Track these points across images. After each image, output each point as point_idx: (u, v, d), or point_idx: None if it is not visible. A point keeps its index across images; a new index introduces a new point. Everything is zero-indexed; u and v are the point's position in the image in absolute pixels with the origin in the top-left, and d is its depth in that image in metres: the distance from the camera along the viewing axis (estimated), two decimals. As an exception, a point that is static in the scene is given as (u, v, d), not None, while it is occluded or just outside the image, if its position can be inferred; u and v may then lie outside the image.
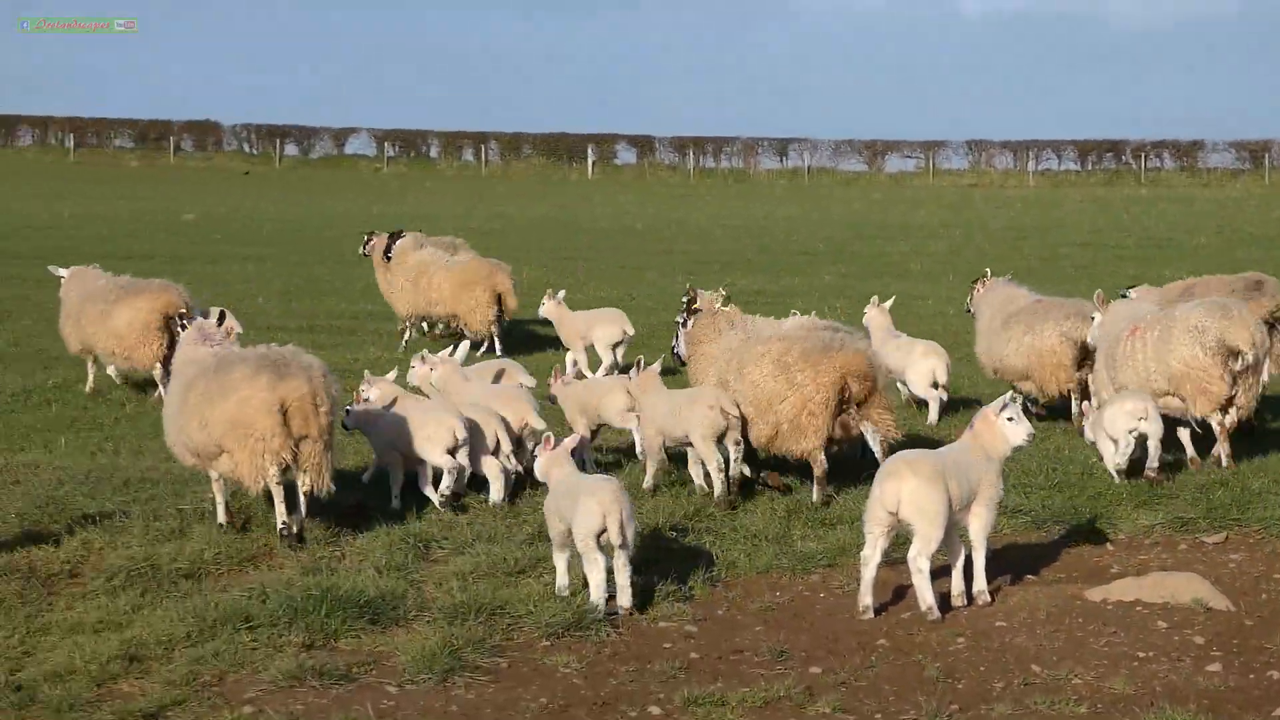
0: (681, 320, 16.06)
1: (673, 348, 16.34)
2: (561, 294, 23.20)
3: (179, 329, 19.00)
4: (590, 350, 22.33)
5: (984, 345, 19.64)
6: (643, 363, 15.52)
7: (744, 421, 14.88)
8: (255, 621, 11.04)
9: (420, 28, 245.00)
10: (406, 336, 25.60)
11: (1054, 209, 73.93)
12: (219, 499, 13.73)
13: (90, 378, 21.00)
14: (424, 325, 26.15)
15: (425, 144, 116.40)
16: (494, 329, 24.90)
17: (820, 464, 14.87)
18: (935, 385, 19.38)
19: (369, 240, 26.69)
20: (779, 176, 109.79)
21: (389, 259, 25.66)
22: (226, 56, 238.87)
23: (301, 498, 13.34)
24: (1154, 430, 15.36)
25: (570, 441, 12.53)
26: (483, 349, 24.43)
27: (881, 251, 46.75)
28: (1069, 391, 18.81)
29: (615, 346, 22.09)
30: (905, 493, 11.42)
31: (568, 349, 22.37)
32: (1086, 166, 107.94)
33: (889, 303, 20.39)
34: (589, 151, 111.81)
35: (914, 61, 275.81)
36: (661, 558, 12.67)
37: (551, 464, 12.24)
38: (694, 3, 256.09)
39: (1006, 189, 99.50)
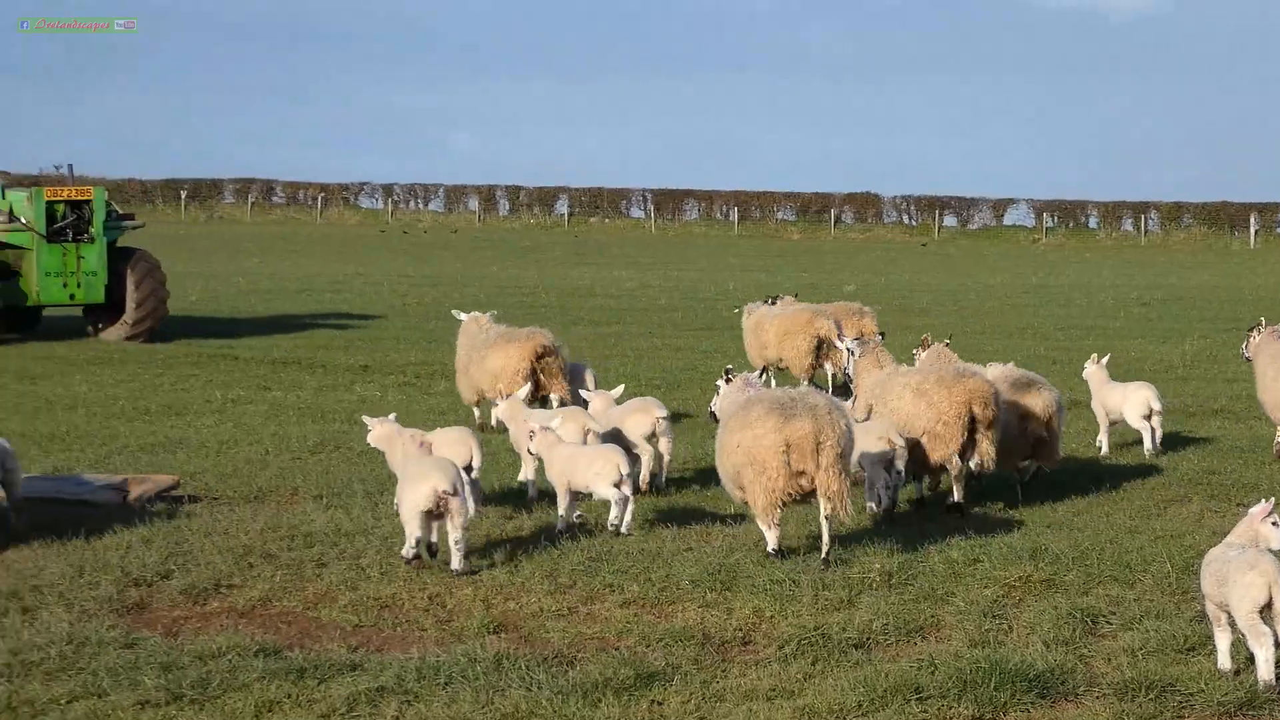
0: (850, 350, 19.31)
1: (844, 370, 19.72)
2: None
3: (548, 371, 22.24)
4: None
5: (1272, 393, 21.03)
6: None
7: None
8: (925, 693, 11.11)
9: (1087, 100, 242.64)
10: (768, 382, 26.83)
11: None
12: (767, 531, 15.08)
13: (477, 419, 22.97)
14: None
15: (1084, 214, 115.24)
16: (811, 373, 26.85)
17: (956, 465, 17.34)
18: (1149, 417, 21.45)
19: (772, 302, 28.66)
20: None
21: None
22: (888, 129, 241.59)
23: (825, 522, 14.71)
24: None
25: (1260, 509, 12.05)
26: None
27: None
28: None
29: None
30: None
31: None
32: None
33: (1106, 359, 22.36)
34: (1251, 220, 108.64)
35: None
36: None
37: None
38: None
39: None
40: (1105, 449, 21.73)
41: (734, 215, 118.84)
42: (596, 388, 21.84)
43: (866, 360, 18.86)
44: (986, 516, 17.34)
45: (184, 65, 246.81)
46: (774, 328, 27.30)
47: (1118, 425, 21.95)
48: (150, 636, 12.56)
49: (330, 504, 17.12)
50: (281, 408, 25.73)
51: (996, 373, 18.75)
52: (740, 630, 12.91)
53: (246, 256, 74.92)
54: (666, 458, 18.46)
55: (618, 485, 15.77)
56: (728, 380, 16.41)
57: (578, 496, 16.13)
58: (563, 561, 14.52)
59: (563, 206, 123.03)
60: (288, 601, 13.68)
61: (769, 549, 14.83)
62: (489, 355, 22.58)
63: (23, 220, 35.69)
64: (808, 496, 14.80)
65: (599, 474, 15.77)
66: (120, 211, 38.42)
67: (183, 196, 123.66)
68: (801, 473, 14.61)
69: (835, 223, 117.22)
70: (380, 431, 16.59)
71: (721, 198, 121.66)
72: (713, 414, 16.60)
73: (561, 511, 15.99)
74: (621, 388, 19.85)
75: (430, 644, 12.56)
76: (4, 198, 36.20)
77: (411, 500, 14.26)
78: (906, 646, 12.55)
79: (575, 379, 22.36)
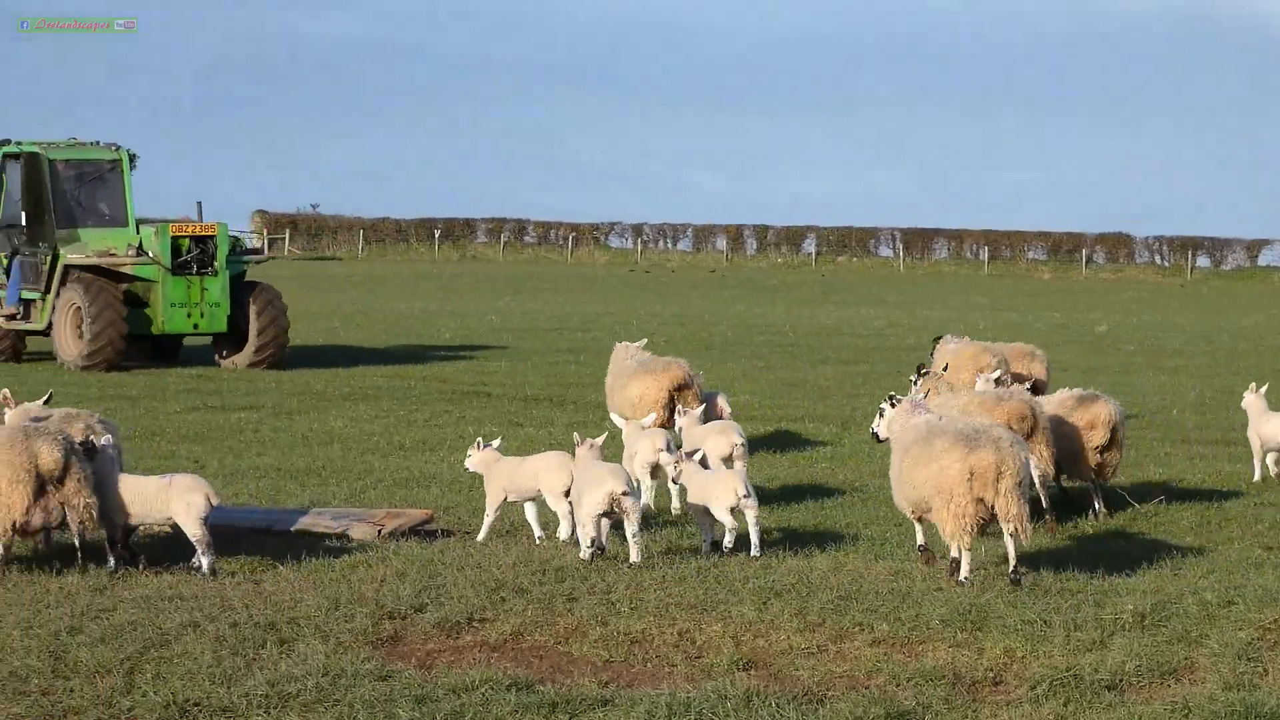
0: (914, 380, 22.16)
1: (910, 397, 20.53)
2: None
3: (681, 402, 22.47)
4: None
5: None
6: None
7: None
8: (1178, 736, 10.97)
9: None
10: None
11: None
12: (920, 538, 16.35)
13: None
14: None
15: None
16: None
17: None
18: None
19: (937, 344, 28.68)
20: None
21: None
22: (1141, 168, 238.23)
23: (1010, 541, 15.47)
24: None
25: None
26: None
27: None
28: None
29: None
30: None
31: None
32: None
33: (1264, 388, 23.12)
34: None
35: None
36: None
37: None
38: None
39: None
40: (1257, 475, 22.65)
41: (984, 254, 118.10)
42: (731, 414, 22.75)
43: (927, 386, 21.40)
44: (1240, 557, 17.06)
45: (437, 107, 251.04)
46: (944, 361, 27.55)
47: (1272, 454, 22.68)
48: (404, 669, 12.75)
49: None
50: (533, 444, 25.95)
51: (1061, 395, 20.56)
52: (991, 670, 12.83)
53: (499, 295, 75.84)
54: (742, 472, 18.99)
55: (733, 511, 16.42)
56: (892, 404, 16.94)
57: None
58: (812, 600, 14.51)
59: (810, 245, 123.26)
60: (539, 636, 13.81)
61: (962, 576, 15.47)
62: (630, 383, 23.48)
63: (150, 254, 38.15)
64: (992, 520, 15.48)
65: (717, 497, 16.51)
66: (245, 246, 41.10)
67: (436, 235, 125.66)
68: (984, 500, 15.35)
69: (1086, 263, 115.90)
70: (479, 458, 17.56)
71: (971, 236, 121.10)
72: (874, 434, 17.23)
73: (700, 529, 17.13)
74: (703, 408, 21.08)
75: (680, 680, 12.63)
76: (137, 233, 38.74)
77: (590, 504, 15.70)
78: (1160, 689, 12.38)
79: (708, 406, 22.81)
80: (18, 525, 15.27)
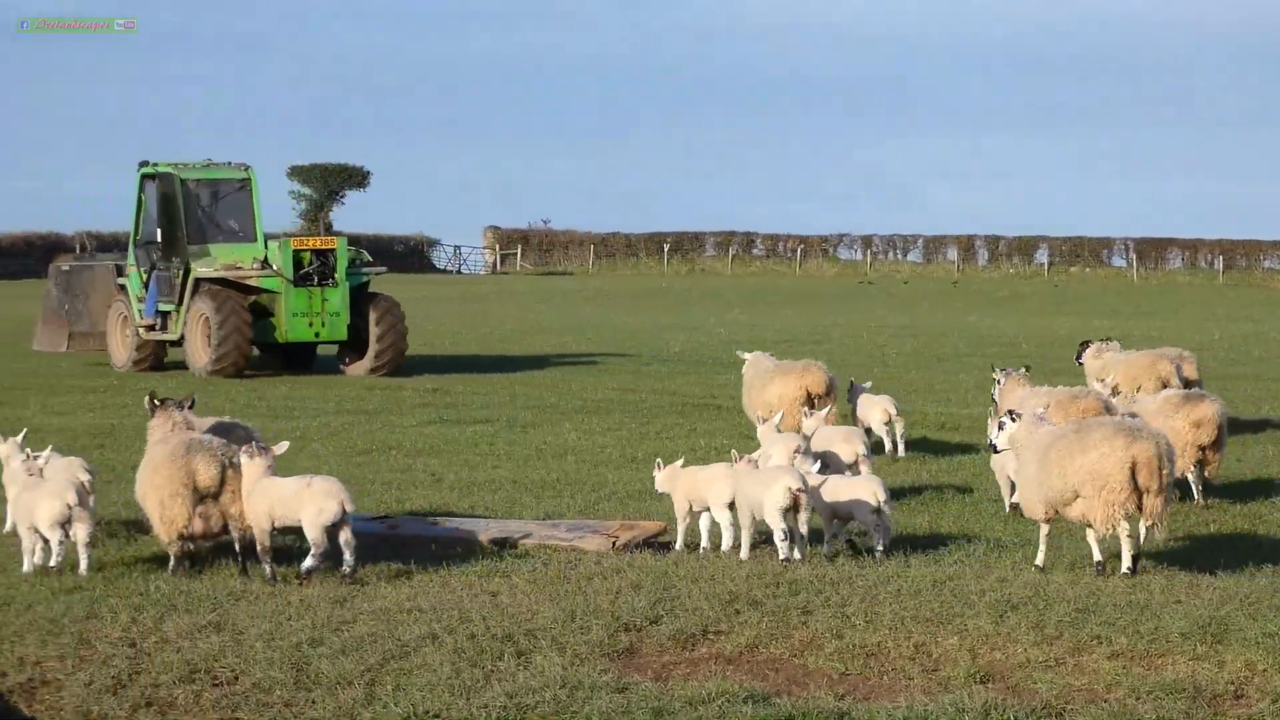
0: (998, 380, 23.21)
1: (992, 395, 23.38)
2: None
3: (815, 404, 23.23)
4: None
5: None
6: None
7: None
8: None
9: None
10: None
11: None
12: (1043, 547, 16.73)
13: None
14: None
15: None
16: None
17: None
18: None
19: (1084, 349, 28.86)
20: None
21: (1080, 364, 28.65)
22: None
23: (1128, 540, 16.11)
24: None
25: None
26: None
27: None
28: None
29: None
30: None
31: None
32: None
33: None
34: None
35: None
36: None
37: None
38: None
39: None
40: None
41: (1219, 264, 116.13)
42: (898, 413, 24.72)
43: (1010, 384, 22.79)
44: None
45: (665, 121, 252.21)
46: (1118, 369, 27.61)
47: None
48: (641, 681, 12.82)
49: (813, 552, 17.22)
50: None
51: (1165, 394, 21.64)
52: (1232, 683, 12.63)
53: (727, 308, 75.96)
54: None
55: (876, 512, 17.06)
56: (1013, 419, 17.16)
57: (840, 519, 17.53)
58: (1049, 612, 14.36)
59: (1042, 256, 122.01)
60: (774, 648, 13.81)
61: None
62: (767, 386, 24.39)
63: (274, 267, 40.12)
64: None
65: (859, 500, 17.11)
66: (366, 260, 42.59)
67: (665, 249, 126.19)
68: (1141, 491, 15.97)
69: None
70: (663, 477, 18.16)
71: (1206, 246, 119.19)
72: (992, 445, 17.53)
73: (826, 536, 17.52)
74: (828, 409, 21.91)
75: (917, 693, 12.58)
76: (265, 247, 40.85)
77: (771, 502, 16.38)
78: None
79: (854, 399, 24.86)
80: (184, 534, 16.34)
